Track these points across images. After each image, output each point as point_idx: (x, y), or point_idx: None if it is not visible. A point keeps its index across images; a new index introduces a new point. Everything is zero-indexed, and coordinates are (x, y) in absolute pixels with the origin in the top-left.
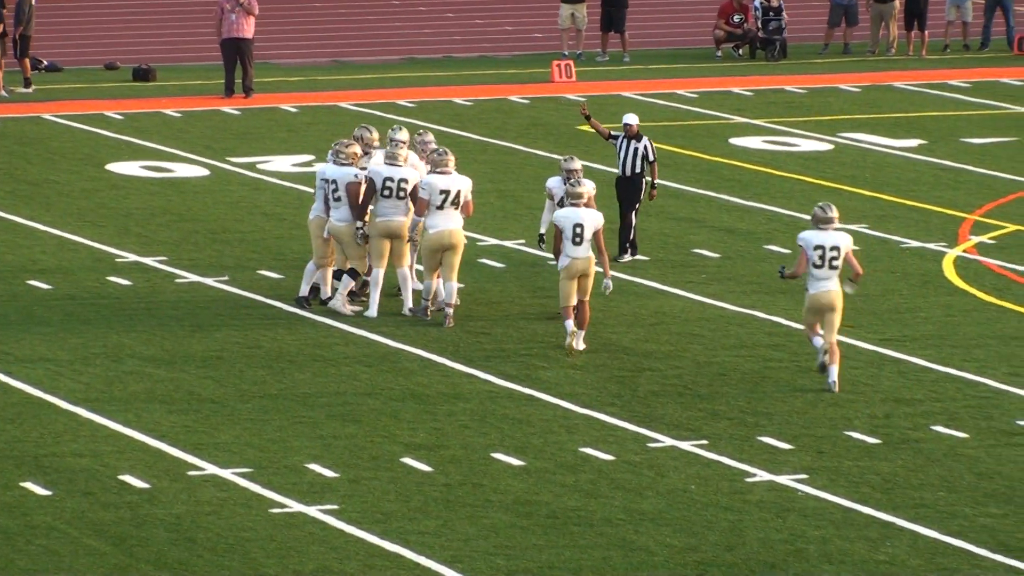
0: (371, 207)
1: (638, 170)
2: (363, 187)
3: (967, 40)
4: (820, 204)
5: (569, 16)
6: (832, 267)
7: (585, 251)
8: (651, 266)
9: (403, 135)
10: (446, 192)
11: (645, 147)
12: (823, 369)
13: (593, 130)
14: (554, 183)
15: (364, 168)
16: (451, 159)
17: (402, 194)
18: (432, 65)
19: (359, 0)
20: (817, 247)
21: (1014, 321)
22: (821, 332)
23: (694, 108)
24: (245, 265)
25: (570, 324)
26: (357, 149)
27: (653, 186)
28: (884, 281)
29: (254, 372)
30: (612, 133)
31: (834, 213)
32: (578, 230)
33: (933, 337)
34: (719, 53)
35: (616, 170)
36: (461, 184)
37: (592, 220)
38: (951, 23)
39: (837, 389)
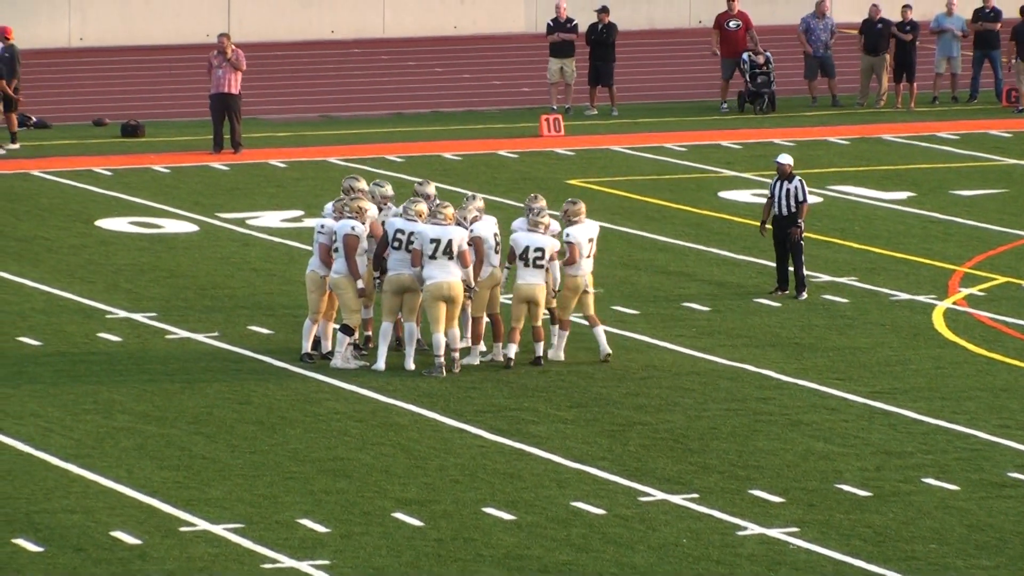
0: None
1: (794, 210)
2: (360, 241)
3: (956, 92)
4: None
5: (558, 70)
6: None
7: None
8: (641, 320)
9: (431, 188)
10: (436, 241)
11: (797, 187)
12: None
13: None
14: (518, 224)
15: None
16: (449, 211)
17: (411, 248)
18: (420, 120)
19: (347, 55)
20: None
21: (1004, 373)
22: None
23: (683, 161)
24: (235, 320)
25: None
26: (363, 204)
27: (798, 224)
28: (874, 334)
29: (245, 428)
30: (768, 196)
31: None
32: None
33: (923, 389)
34: (725, 106)
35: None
36: (454, 234)
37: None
38: (940, 75)
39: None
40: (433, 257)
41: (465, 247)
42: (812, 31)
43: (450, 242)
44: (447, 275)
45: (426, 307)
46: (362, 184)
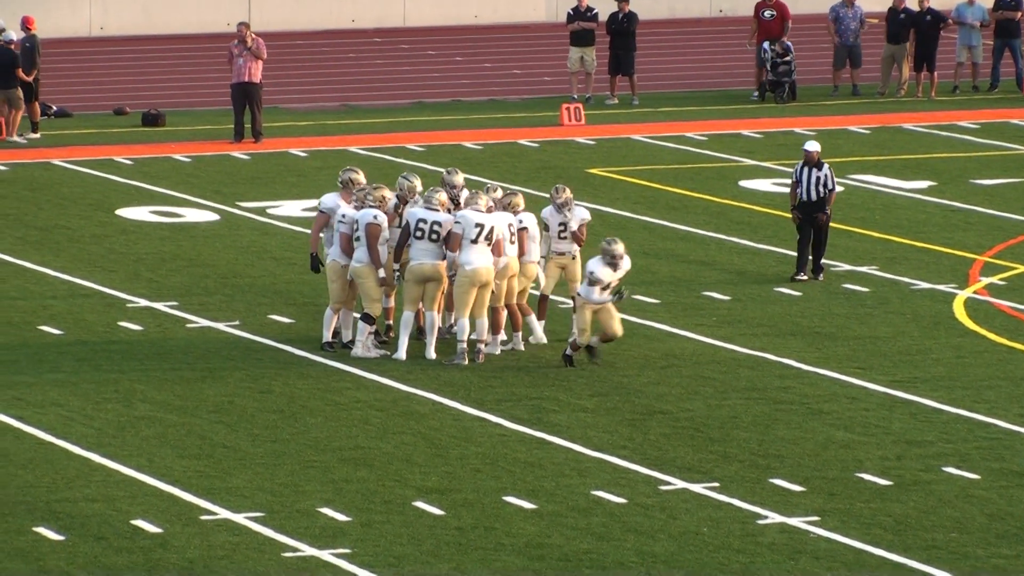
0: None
1: (822, 195)
2: (383, 230)
3: (976, 81)
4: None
5: (578, 59)
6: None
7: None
8: (662, 309)
9: (459, 178)
10: (480, 226)
11: (827, 175)
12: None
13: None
14: (546, 213)
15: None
16: (484, 199)
17: (435, 236)
18: (441, 109)
19: (368, 44)
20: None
21: None
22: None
23: (703, 150)
24: (256, 309)
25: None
26: (386, 193)
27: (825, 211)
28: (895, 323)
29: (266, 416)
30: (793, 180)
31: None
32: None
33: (944, 379)
34: (756, 94)
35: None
36: (495, 221)
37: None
38: (961, 64)
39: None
40: (475, 242)
41: (500, 236)
42: (841, 20)
43: (492, 228)
44: (486, 261)
45: (459, 292)
46: (360, 176)
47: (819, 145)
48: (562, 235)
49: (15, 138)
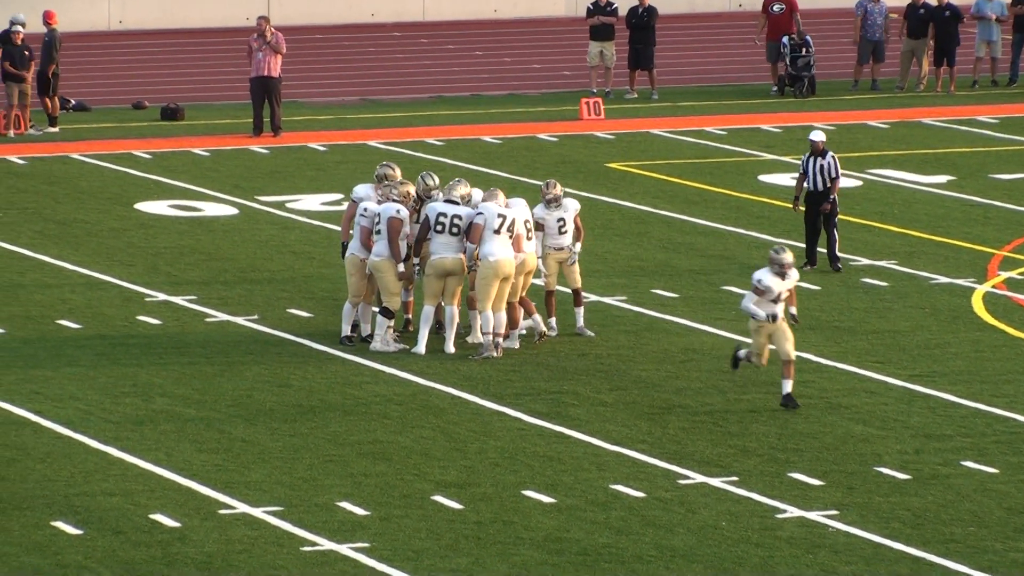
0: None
1: (828, 184)
2: (404, 225)
3: (995, 76)
4: None
5: (598, 54)
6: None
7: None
8: (681, 303)
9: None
10: (503, 217)
11: (830, 163)
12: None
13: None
14: (539, 211)
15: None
16: (501, 195)
17: (455, 230)
18: (461, 103)
19: (387, 39)
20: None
21: None
22: None
23: (723, 145)
24: (274, 303)
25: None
26: (411, 189)
27: (829, 200)
28: (913, 317)
29: (284, 411)
30: (800, 171)
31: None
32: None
33: (962, 373)
34: (775, 89)
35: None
36: (517, 214)
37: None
38: (979, 59)
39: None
40: (497, 232)
41: (521, 231)
42: (869, 15)
43: (514, 221)
44: (508, 253)
45: (481, 284)
46: (396, 172)
47: (824, 135)
48: (562, 230)
49: (10, 134)
